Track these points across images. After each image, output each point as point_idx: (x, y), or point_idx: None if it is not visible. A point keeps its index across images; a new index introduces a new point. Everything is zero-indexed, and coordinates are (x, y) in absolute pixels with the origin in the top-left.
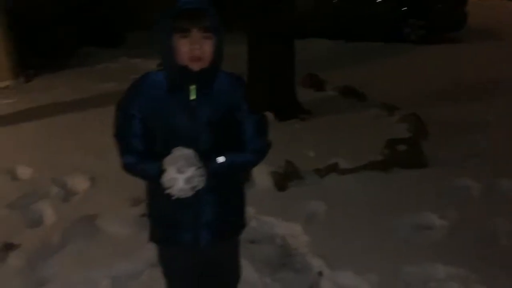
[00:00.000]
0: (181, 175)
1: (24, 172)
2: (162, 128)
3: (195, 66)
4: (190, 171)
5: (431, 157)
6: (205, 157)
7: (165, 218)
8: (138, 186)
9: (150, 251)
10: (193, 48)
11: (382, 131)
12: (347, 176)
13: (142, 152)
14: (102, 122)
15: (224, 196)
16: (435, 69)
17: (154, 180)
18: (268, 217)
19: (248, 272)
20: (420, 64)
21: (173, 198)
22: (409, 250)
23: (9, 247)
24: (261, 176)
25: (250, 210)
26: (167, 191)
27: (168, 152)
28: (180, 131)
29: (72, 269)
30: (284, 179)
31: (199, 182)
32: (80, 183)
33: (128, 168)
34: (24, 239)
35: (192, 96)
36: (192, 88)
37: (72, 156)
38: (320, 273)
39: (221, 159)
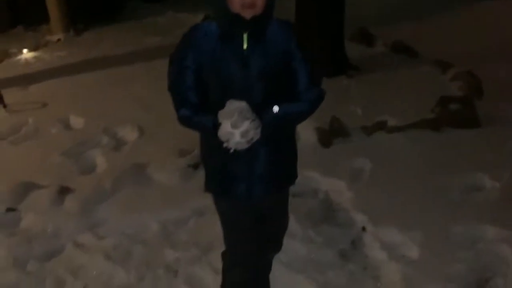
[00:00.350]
0: (236, 129)
1: (76, 122)
2: (216, 79)
3: (247, 14)
4: (245, 125)
5: (485, 117)
6: (259, 108)
7: (220, 170)
8: (185, 138)
9: (197, 201)
10: None
11: (434, 89)
12: (396, 134)
13: (196, 104)
14: (149, 75)
15: (278, 148)
16: (495, 25)
17: (209, 132)
18: (311, 172)
19: (290, 224)
20: (479, 19)
21: (231, 151)
22: (457, 210)
23: (65, 191)
24: (306, 131)
25: None
26: (224, 145)
27: (222, 104)
28: (233, 81)
29: (123, 213)
30: (329, 135)
31: (255, 135)
32: (129, 134)
33: (183, 121)
34: (78, 184)
35: (245, 45)
36: (245, 36)
37: (121, 107)
38: (363, 229)
39: (275, 109)
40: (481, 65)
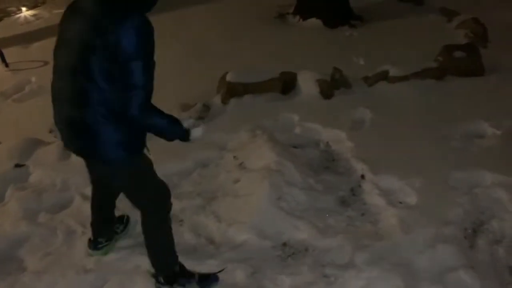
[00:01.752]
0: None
1: None
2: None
3: None
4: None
5: (489, 65)
6: None
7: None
8: (186, 94)
9: (200, 153)
10: None
11: (439, 38)
12: (397, 84)
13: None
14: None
15: None
16: None
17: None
18: (312, 124)
19: (291, 173)
20: None
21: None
22: (457, 157)
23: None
24: (307, 84)
25: (294, 117)
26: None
27: None
28: None
29: None
30: (331, 87)
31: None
32: None
33: (158, 128)
34: None
35: None
36: None
37: None
38: (362, 176)
39: None
40: (488, 11)
